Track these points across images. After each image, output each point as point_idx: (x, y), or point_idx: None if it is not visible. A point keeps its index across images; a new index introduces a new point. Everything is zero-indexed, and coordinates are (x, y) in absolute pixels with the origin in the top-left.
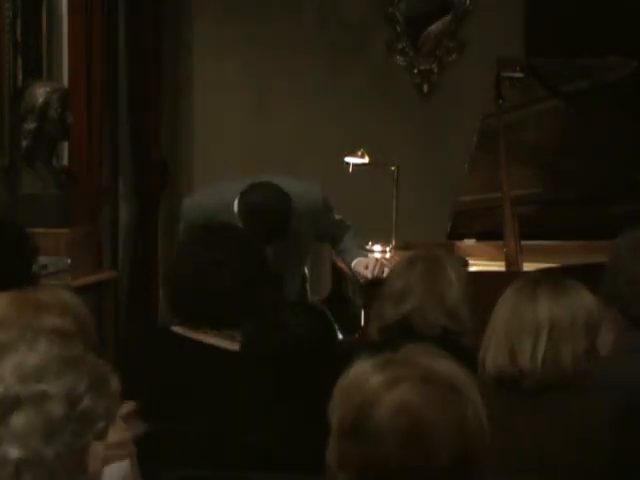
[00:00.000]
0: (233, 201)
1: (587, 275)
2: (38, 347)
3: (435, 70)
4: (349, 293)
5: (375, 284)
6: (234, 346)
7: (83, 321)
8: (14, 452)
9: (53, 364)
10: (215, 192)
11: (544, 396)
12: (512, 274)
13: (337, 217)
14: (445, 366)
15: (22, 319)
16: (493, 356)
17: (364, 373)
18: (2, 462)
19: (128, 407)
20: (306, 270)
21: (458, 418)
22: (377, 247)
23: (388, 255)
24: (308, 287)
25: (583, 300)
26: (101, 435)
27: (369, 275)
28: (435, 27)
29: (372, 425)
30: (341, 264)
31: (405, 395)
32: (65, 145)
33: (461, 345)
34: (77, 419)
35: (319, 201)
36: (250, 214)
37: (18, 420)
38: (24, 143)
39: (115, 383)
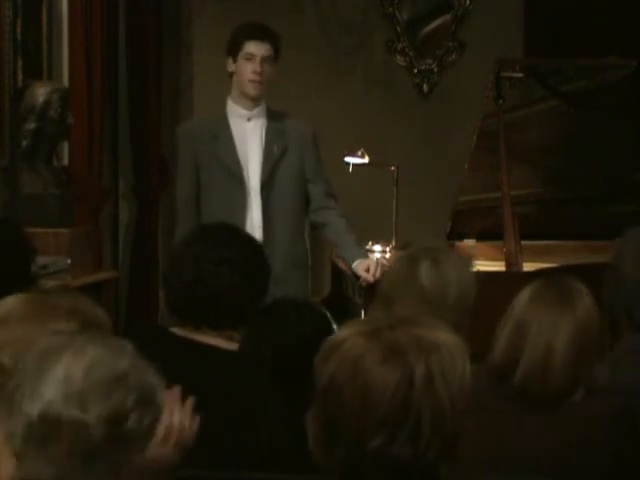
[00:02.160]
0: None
1: (587, 275)
2: (85, 360)
3: (435, 70)
4: (349, 293)
5: (375, 285)
6: (233, 346)
7: (96, 325)
8: (48, 474)
9: (100, 382)
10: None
11: (543, 397)
12: (512, 274)
13: (322, 166)
14: (411, 330)
15: (28, 319)
16: (496, 354)
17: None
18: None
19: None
20: (308, 253)
21: (400, 376)
22: (377, 247)
23: (388, 255)
24: (310, 281)
25: (589, 307)
26: (142, 450)
27: (370, 279)
28: (435, 26)
29: (322, 378)
30: (341, 264)
31: (351, 348)
32: (65, 145)
33: None
34: (119, 440)
35: (309, 130)
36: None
37: (57, 446)
38: (24, 143)
39: (161, 395)
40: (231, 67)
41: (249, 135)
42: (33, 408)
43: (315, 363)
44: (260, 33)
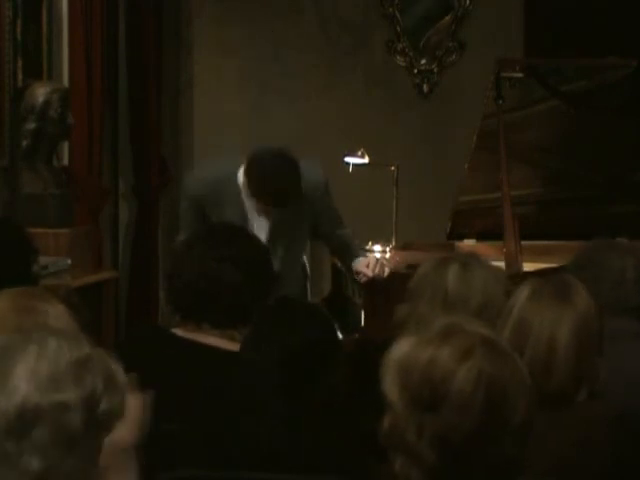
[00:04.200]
0: (235, 171)
1: None
2: (48, 350)
3: (435, 70)
4: (349, 293)
5: (374, 283)
6: (234, 346)
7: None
8: (36, 464)
9: (69, 369)
10: (215, 165)
11: (545, 395)
12: (512, 274)
13: (335, 207)
14: (488, 330)
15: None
16: (559, 372)
17: (422, 347)
18: (23, 473)
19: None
20: (307, 265)
21: (522, 378)
22: (377, 247)
23: (388, 255)
24: (309, 285)
25: (587, 301)
26: (112, 430)
27: (370, 273)
28: (435, 26)
29: (452, 396)
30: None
31: (478, 365)
32: (65, 145)
33: None
34: (96, 423)
35: (321, 182)
36: (259, 174)
37: (40, 432)
38: (24, 143)
39: (122, 374)
40: (243, 179)
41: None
42: (8, 403)
43: (420, 383)
44: (275, 204)
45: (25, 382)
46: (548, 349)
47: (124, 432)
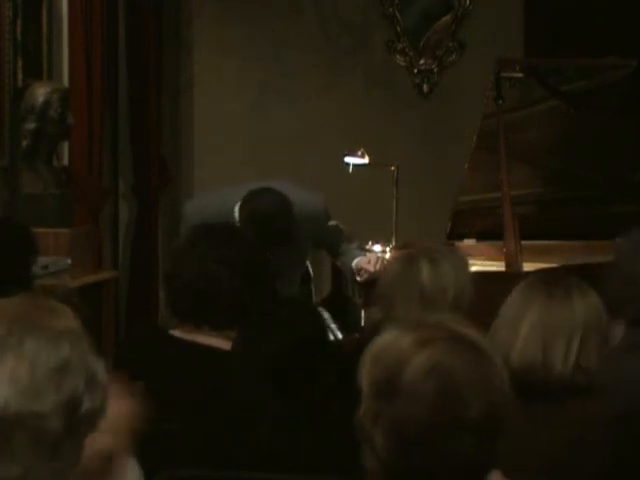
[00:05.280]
0: (233, 206)
1: (587, 275)
2: (26, 353)
3: (435, 70)
4: (349, 293)
5: (374, 282)
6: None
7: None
8: (15, 471)
9: (48, 375)
10: (217, 198)
11: (562, 398)
12: (512, 274)
13: (333, 223)
14: (471, 330)
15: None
16: (519, 356)
17: (394, 336)
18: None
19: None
20: (310, 270)
21: (484, 376)
22: (377, 247)
23: (388, 255)
24: (313, 287)
25: (596, 301)
26: (95, 428)
27: (371, 269)
28: (435, 26)
29: (404, 385)
30: (342, 266)
31: (434, 355)
32: (65, 145)
33: None
34: (79, 423)
35: (321, 211)
36: (251, 222)
37: (21, 441)
38: (24, 143)
39: (102, 370)
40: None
41: None
42: None
43: (380, 369)
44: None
45: (6, 387)
46: (512, 332)
47: (109, 439)
